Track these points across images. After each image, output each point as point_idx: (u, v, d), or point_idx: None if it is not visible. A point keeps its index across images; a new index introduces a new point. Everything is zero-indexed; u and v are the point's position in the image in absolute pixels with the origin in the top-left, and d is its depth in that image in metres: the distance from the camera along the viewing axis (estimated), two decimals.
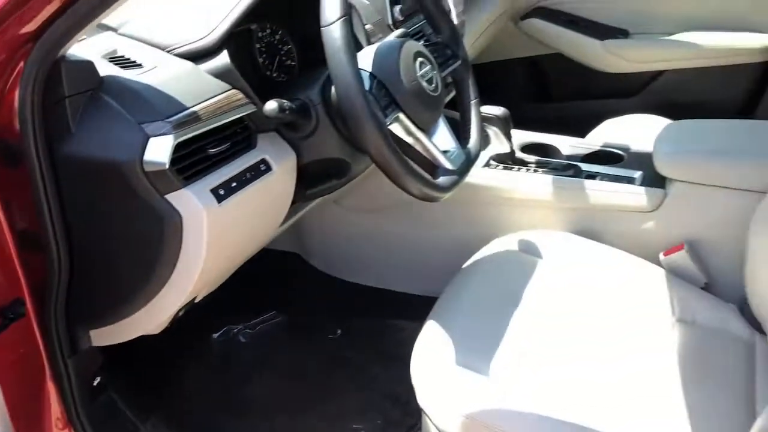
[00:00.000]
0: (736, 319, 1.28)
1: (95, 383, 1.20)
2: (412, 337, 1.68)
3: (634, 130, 1.94)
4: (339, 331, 1.74)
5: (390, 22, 1.45)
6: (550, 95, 2.44)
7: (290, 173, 1.14)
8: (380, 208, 1.62)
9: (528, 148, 1.63)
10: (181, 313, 1.13)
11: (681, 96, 2.22)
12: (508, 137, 1.52)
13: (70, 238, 0.95)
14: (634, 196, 1.40)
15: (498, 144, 1.53)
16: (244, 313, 1.76)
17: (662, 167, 1.38)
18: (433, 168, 1.15)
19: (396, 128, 1.09)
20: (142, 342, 1.13)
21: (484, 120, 1.50)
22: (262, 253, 1.31)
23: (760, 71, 2.11)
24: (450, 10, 1.71)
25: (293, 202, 1.20)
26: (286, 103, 1.05)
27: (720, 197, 1.32)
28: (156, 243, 0.95)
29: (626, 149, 1.58)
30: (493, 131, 1.52)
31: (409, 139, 1.12)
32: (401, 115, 1.08)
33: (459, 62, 1.29)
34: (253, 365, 1.67)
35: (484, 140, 1.59)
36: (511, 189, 1.48)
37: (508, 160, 1.54)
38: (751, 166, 1.28)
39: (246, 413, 1.54)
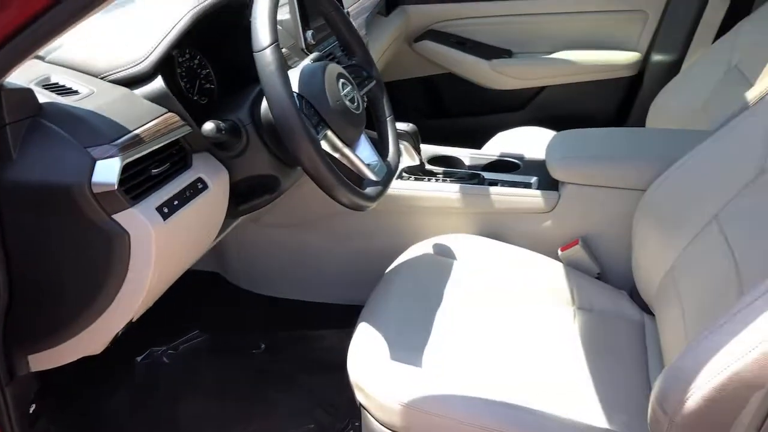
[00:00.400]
0: (628, 303, 1.45)
1: (31, 410, 1.19)
2: (336, 344, 1.76)
3: (524, 141, 2.13)
4: (263, 346, 1.79)
5: (303, 46, 1.53)
6: (446, 111, 2.61)
7: (224, 190, 1.20)
8: (298, 224, 1.69)
9: (435, 160, 1.76)
10: (120, 333, 1.15)
11: (562, 109, 2.45)
12: (418, 151, 1.64)
13: (9, 264, 0.96)
14: (532, 199, 1.55)
15: (409, 157, 1.65)
16: (167, 335, 1.77)
17: (555, 172, 1.54)
18: (360, 180, 1.25)
19: (324, 145, 1.18)
20: (67, 367, 1.13)
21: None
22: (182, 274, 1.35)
23: (629, 84, 2.37)
24: None
25: (225, 218, 1.26)
26: (221, 123, 1.11)
27: (607, 196, 1.50)
28: (103, 263, 0.98)
29: (521, 158, 1.74)
30: (403, 146, 1.63)
31: (336, 155, 1.21)
32: (329, 132, 1.17)
33: (373, 82, 1.40)
34: (180, 385, 1.68)
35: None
36: (423, 198, 1.59)
37: (419, 171, 1.66)
38: (631, 167, 1.46)
39: None
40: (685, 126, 1.92)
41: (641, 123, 2.18)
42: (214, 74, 1.39)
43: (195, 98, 1.32)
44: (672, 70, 2.24)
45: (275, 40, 1.06)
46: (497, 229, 1.59)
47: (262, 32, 1.06)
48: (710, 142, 1.34)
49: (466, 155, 1.79)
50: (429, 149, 1.78)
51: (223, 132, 1.12)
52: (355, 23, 1.85)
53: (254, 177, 1.23)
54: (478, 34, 2.43)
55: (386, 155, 1.36)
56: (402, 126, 1.61)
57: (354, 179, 1.25)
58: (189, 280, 1.36)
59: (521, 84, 2.41)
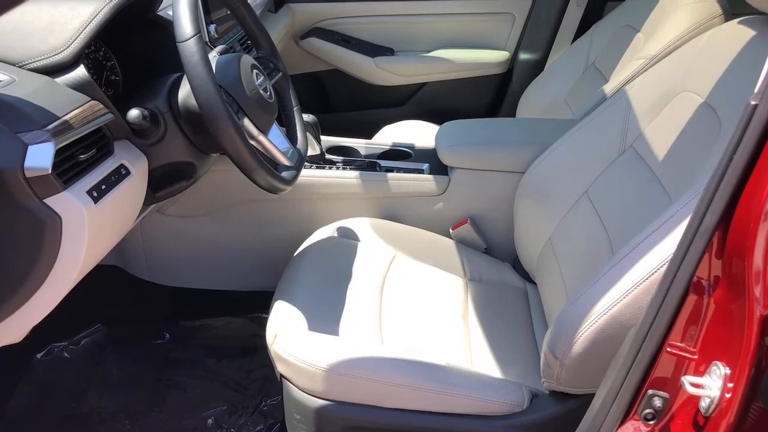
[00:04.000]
0: (512, 274, 1.63)
1: None
2: (243, 330, 1.83)
3: (409, 133, 2.28)
4: (167, 335, 1.81)
5: (206, 39, 1.58)
6: (333, 106, 2.71)
7: (144, 177, 1.24)
8: (203, 214, 1.73)
9: (333, 150, 1.86)
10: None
11: (441, 103, 2.63)
12: (318, 141, 1.73)
13: None
14: (425, 183, 1.70)
15: (310, 147, 1.74)
16: (67, 330, 1.75)
17: (444, 158, 1.70)
18: (275, 165, 1.33)
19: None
20: None
21: None
22: None
23: (500, 80, 2.59)
24: None
25: (143, 204, 1.29)
26: (145, 110, 1.15)
27: (491, 179, 1.67)
28: (33, 248, 1.00)
29: (412, 147, 1.88)
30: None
31: (252, 141, 1.28)
32: (246, 120, 1.24)
33: (280, 74, 1.48)
34: (84, 380, 1.68)
35: None
36: (326, 185, 1.69)
37: (320, 160, 1.75)
38: (511, 152, 1.64)
39: (88, 427, 1.55)
40: (551, 116, 2.15)
41: (512, 115, 2.40)
42: (119, 66, 1.41)
43: (102, 89, 1.34)
44: (537, 67, 2.48)
45: (198, 31, 1.12)
46: (395, 211, 1.72)
47: (185, 23, 1.11)
48: (578, 128, 1.54)
49: (361, 145, 1.90)
50: (327, 140, 1.88)
51: (147, 119, 1.16)
52: None
53: (171, 164, 1.27)
54: (361, 32, 2.56)
55: (296, 142, 1.45)
56: (304, 117, 1.70)
57: (270, 163, 1.33)
58: (89, 273, 1.38)
59: (403, 80, 2.56)
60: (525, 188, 1.59)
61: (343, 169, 1.73)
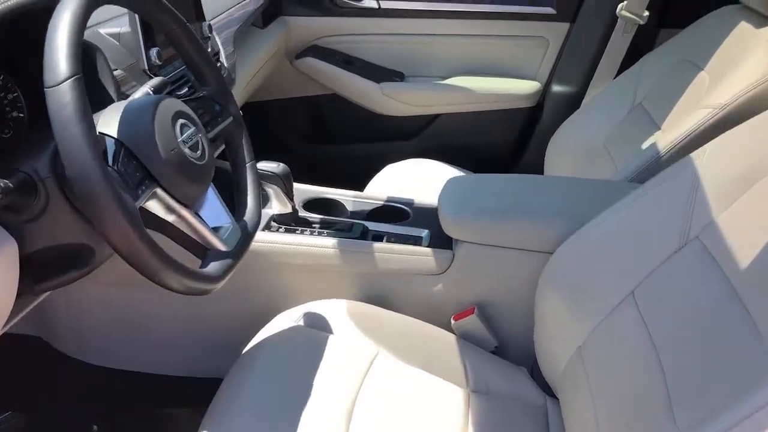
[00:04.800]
0: (528, 383, 1.25)
1: None
2: (186, 425, 1.45)
3: (415, 178, 1.91)
4: (95, 428, 1.46)
5: (146, 66, 1.23)
6: (329, 136, 2.35)
7: (12, 264, 0.88)
8: (142, 283, 1.37)
9: (311, 204, 1.50)
10: None
11: (456, 139, 2.25)
12: (290, 196, 1.37)
13: None
14: (422, 258, 1.33)
15: (279, 204, 1.38)
16: None
17: (448, 228, 1.32)
18: (204, 250, 0.97)
19: (154, 206, 0.89)
20: None
21: (263, 178, 1.34)
22: None
23: (528, 116, 2.20)
24: (218, 51, 1.54)
25: (19, 296, 0.94)
26: (5, 181, 0.80)
27: (507, 258, 1.29)
28: None
29: (410, 204, 1.51)
30: (272, 190, 1.36)
31: (170, 218, 0.92)
32: (159, 191, 0.89)
33: (230, 119, 1.12)
34: None
35: (264, 200, 1.43)
36: (295, 254, 1.33)
37: (290, 221, 1.39)
38: (535, 226, 1.26)
39: None
40: (586, 163, 1.76)
41: (540, 157, 2.02)
42: (25, 100, 1.07)
43: None
44: (573, 102, 2.09)
45: (74, 73, 0.76)
46: (382, 292, 1.35)
47: (55, 61, 0.76)
48: (626, 203, 1.16)
49: (348, 198, 1.54)
50: (304, 190, 1.52)
51: (8, 194, 0.81)
52: (221, 37, 1.57)
53: (56, 247, 0.92)
54: (367, 52, 2.20)
55: (243, 213, 1.08)
56: (270, 166, 1.34)
57: (196, 249, 0.97)
58: (4, 345, 1.05)
59: (413, 110, 2.19)
60: (552, 275, 1.21)
61: (319, 233, 1.36)
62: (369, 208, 1.51)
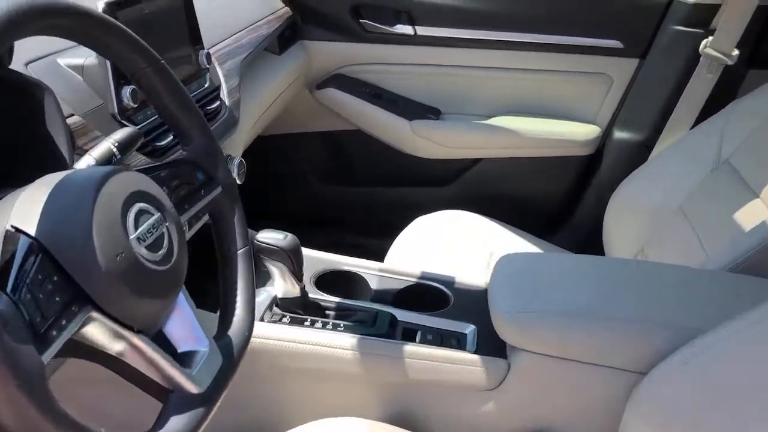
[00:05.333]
0: None
1: None
2: None
3: (452, 236, 1.61)
4: None
5: (116, 110, 0.94)
6: (352, 178, 2.05)
7: None
8: (109, 378, 1.08)
9: (325, 279, 1.20)
10: None
11: (499, 188, 1.94)
12: (298, 275, 1.07)
13: None
14: (467, 368, 1.01)
15: (284, 284, 1.08)
16: None
17: (503, 331, 1.01)
18: (165, 392, 0.67)
19: (92, 332, 0.60)
20: None
21: (266, 253, 1.05)
22: None
23: (584, 166, 1.89)
24: (219, 86, 1.25)
25: None
26: None
27: (581, 375, 0.98)
28: None
29: (450, 284, 1.20)
30: (277, 268, 1.06)
31: (118, 347, 0.62)
32: (96, 314, 0.59)
33: (218, 190, 0.82)
34: None
35: (265, 277, 1.13)
36: (301, 356, 1.02)
37: (298, 306, 1.09)
38: (626, 337, 0.95)
39: None
40: (658, 228, 1.45)
41: (596, 214, 1.70)
42: None
43: None
44: (640, 153, 1.77)
45: None
46: (412, 410, 1.04)
47: None
48: (748, 320, 0.84)
49: (371, 272, 1.24)
50: (316, 260, 1.22)
51: None
52: (224, 67, 1.28)
53: None
54: (398, 84, 1.90)
55: (227, 327, 0.78)
56: (274, 238, 1.04)
57: (155, 390, 0.67)
58: None
59: (449, 153, 1.89)
60: (643, 405, 0.89)
61: (334, 325, 1.06)
62: (398, 286, 1.21)
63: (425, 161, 1.91)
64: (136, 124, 0.97)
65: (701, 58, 1.63)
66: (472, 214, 1.71)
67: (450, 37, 1.80)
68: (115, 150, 0.80)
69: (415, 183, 1.98)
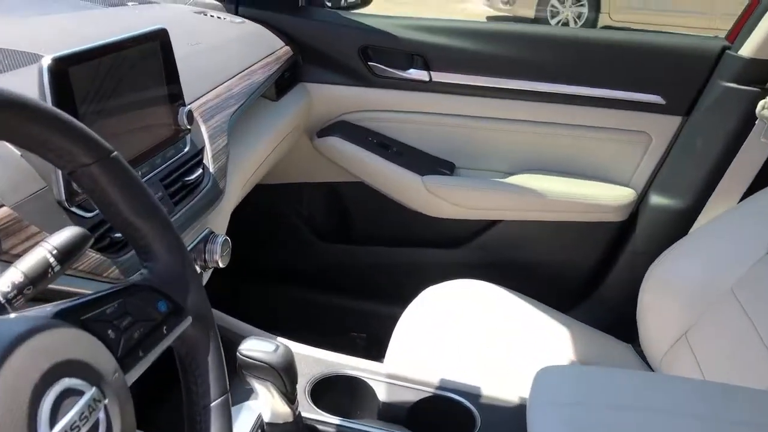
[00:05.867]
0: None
1: None
2: None
3: (469, 314, 1.40)
4: None
5: (62, 195, 0.73)
6: (354, 236, 1.84)
7: None
8: None
9: (322, 387, 0.98)
10: None
11: (516, 254, 1.74)
12: (291, 396, 0.86)
13: None
14: None
15: (273, 404, 0.87)
16: None
17: None
18: None
19: None
20: None
21: (252, 370, 0.84)
22: None
23: (615, 232, 1.68)
24: (203, 148, 1.04)
25: None
26: None
27: None
28: None
29: (475, 396, 0.99)
30: (265, 387, 0.85)
31: None
32: None
33: (187, 322, 0.61)
34: None
35: (250, 392, 0.92)
36: None
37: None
38: None
39: None
40: (704, 312, 1.25)
41: (628, 289, 1.50)
42: None
43: None
44: (680, 222, 1.57)
45: None
46: None
47: None
48: None
49: (379, 378, 1.02)
50: (313, 361, 1.01)
51: None
52: (210, 124, 1.07)
53: None
54: (408, 134, 1.70)
55: None
56: (263, 350, 0.83)
57: None
58: None
59: (464, 213, 1.68)
60: None
61: None
62: (411, 398, 1.00)
63: (436, 221, 1.71)
64: (88, 212, 0.76)
65: (757, 121, 1.44)
66: (487, 284, 1.50)
67: (469, 85, 1.61)
68: (52, 260, 0.59)
69: (425, 244, 1.77)
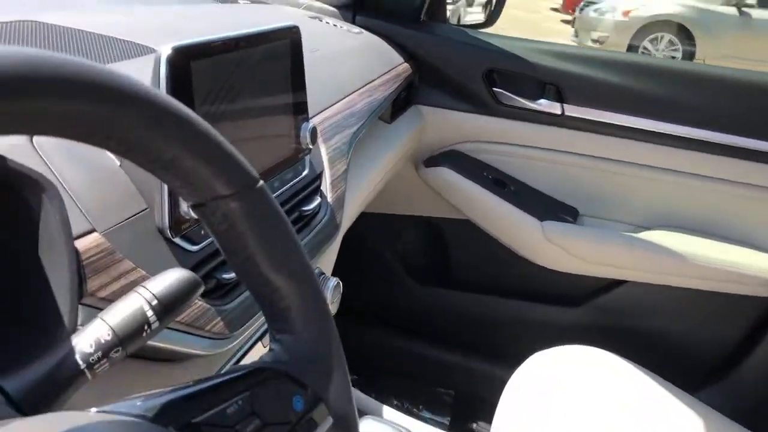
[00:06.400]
0: None
1: None
2: None
3: (581, 386, 1.18)
4: None
5: (166, 222, 0.57)
6: (455, 280, 1.64)
7: None
8: None
9: None
10: None
11: (642, 321, 1.51)
12: None
13: None
14: None
15: None
16: None
17: None
18: None
19: None
20: None
21: None
22: None
23: (760, 310, 1.43)
24: (321, 172, 0.88)
25: None
26: None
27: None
28: None
29: None
30: None
31: None
32: None
33: (325, 424, 0.43)
34: None
35: None
36: None
37: None
38: None
39: None
40: None
41: None
42: None
43: None
44: None
45: None
46: None
47: None
48: None
49: None
50: None
51: None
52: (330, 145, 0.91)
53: None
54: (528, 172, 1.51)
55: None
56: None
57: None
58: None
59: (585, 268, 1.47)
60: None
61: None
62: None
63: (552, 273, 1.50)
64: (194, 244, 0.60)
65: None
66: (605, 353, 1.28)
67: (607, 123, 1.40)
68: (150, 314, 0.43)
69: (535, 299, 1.56)
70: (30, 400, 0.39)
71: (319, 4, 1.43)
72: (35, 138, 0.53)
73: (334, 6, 1.44)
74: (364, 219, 1.57)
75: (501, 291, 1.58)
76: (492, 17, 1.57)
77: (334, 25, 1.35)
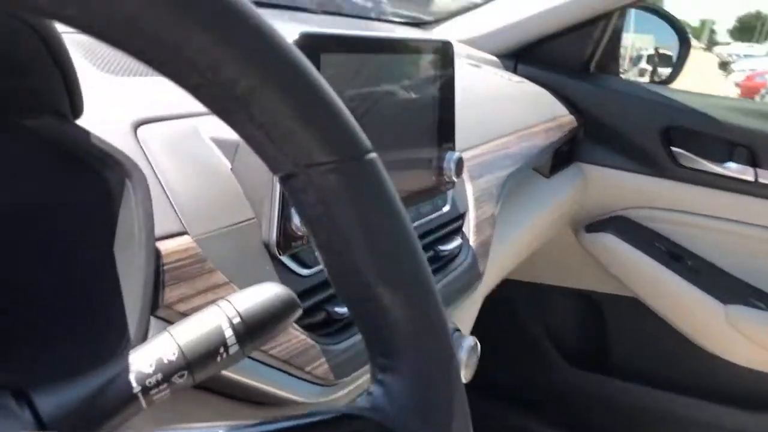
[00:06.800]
0: None
1: None
2: None
3: None
4: None
5: (273, 236, 0.48)
6: (615, 367, 1.43)
7: None
8: None
9: None
10: None
11: None
12: None
13: None
14: None
15: None
16: None
17: None
18: None
19: None
20: None
21: None
22: None
23: None
24: (464, 213, 0.76)
25: None
26: None
27: None
28: None
29: None
30: None
31: None
32: None
33: None
34: None
35: None
36: None
37: None
38: None
39: None
40: None
41: None
42: None
43: None
44: None
45: None
46: None
47: None
48: None
49: None
50: None
51: None
52: (478, 184, 0.80)
53: None
54: (711, 247, 1.29)
55: None
56: None
57: None
58: None
59: None
60: None
61: None
62: None
63: (736, 369, 1.26)
64: (306, 267, 0.50)
65: None
66: None
67: None
68: (229, 334, 0.33)
69: (710, 397, 1.31)
70: (64, 425, 0.30)
71: (480, 54, 1.35)
72: (141, 128, 0.47)
73: (495, 55, 1.35)
74: (509, 285, 1.43)
75: (667, 384, 1.35)
76: (674, 73, 1.41)
77: (494, 74, 1.26)
